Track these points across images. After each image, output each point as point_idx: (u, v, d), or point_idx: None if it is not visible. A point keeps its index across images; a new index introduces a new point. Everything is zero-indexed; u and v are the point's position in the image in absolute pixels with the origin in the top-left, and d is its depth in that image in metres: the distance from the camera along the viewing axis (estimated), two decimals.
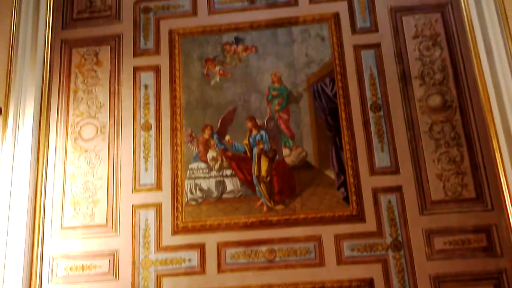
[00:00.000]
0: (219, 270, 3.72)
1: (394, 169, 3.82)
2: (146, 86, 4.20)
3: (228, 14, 4.38)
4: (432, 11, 4.18)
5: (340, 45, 4.18)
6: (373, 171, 3.84)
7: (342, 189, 3.84)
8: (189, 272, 3.73)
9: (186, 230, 3.84)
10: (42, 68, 4.14)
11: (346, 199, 3.81)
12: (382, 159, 3.86)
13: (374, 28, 4.20)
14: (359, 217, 3.75)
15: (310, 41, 4.24)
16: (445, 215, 3.67)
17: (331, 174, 3.90)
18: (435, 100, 3.94)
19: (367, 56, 4.13)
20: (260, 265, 3.71)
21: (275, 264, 3.71)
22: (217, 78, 4.22)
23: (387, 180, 3.80)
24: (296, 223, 3.79)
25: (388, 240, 3.66)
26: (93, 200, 3.94)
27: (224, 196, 3.93)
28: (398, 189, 3.77)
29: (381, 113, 3.96)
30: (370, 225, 3.73)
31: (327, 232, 3.73)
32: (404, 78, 4.02)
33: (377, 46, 4.14)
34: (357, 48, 4.16)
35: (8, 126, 3.81)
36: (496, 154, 3.59)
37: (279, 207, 3.86)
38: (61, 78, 4.26)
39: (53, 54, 4.27)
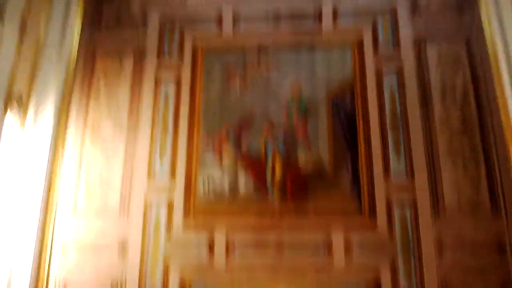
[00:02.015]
0: None
1: (409, 181, 3.84)
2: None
3: (252, 31, 4.48)
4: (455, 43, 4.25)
5: (362, 65, 4.26)
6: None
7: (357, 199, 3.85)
8: None
9: (197, 226, 3.86)
10: (67, 65, 4.21)
11: (359, 207, 3.82)
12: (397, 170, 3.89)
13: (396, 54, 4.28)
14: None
15: (333, 57, 4.31)
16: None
17: (346, 182, 3.90)
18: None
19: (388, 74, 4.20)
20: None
21: None
22: (237, 87, 4.29)
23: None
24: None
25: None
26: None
27: (237, 197, 3.92)
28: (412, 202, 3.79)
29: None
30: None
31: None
32: (425, 98, 4.07)
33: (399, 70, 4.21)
34: (378, 69, 4.23)
35: (27, 117, 3.84)
36: None
37: (291, 211, 3.84)
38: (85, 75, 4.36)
39: (80, 52, 4.34)
